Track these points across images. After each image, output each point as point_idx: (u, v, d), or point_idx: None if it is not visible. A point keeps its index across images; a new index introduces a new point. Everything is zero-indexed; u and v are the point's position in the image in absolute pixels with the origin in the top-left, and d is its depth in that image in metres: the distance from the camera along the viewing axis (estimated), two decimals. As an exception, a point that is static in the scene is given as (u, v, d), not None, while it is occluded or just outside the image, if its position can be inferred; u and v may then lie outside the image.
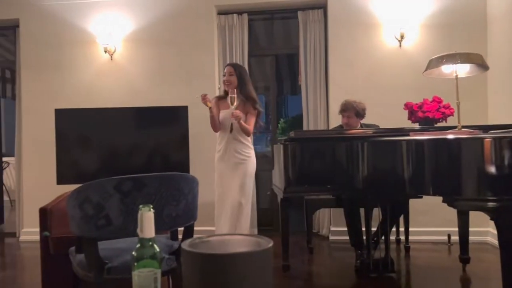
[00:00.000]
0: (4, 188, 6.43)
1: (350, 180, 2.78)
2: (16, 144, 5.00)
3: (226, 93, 3.47)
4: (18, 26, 4.89)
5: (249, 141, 3.51)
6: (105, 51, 4.68)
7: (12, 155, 5.34)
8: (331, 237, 4.44)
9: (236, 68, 3.50)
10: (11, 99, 6.13)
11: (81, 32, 4.75)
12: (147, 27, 4.70)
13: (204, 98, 3.33)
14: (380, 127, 3.71)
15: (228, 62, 4.47)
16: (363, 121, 3.77)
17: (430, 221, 4.21)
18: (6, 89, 6.28)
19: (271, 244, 0.79)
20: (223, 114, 3.47)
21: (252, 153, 3.50)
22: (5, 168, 6.88)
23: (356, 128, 3.67)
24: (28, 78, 4.84)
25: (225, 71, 3.51)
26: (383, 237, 3.34)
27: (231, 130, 3.42)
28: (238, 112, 3.28)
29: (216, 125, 3.49)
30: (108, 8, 4.72)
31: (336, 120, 4.12)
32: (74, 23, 4.76)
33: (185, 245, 0.77)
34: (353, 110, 3.62)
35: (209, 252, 0.75)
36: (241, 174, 3.40)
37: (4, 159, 6.32)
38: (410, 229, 3.90)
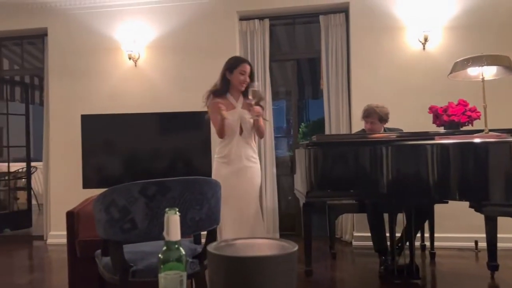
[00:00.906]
0: (32, 192, 6.61)
1: (373, 185, 2.76)
2: (43, 149, 5.14)
3: (226, 89, 3.10)
4: (46, 34, 5.04)
5: (255, 145, 3.20)
6: (129, 58, 4.77)
7: (40, 160, 5.49)
8: (354, 243, 4.39)
9: (252, 67, 3.16)
10: (39, 105, 6.30)
11: (106, 39, 4.86)
12: (170, 34, 4.77)
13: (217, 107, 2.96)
14: (405, 131, 3.66)
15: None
16: (386, 125, 3.74)
17: (456, 226, 4.11)
18: (34, 95, 6.47)
19: (296, 248, 0.79)
20: (229, 115, 3.01)
21: (257, 158, 3.18)
22: (33, 172, 7.07)
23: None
24: (55, 85, 4.98)
25: (243, 69, 3.07)
26: (407, 243, 3.29)
27: (240, 132, 3.07)
28: (259, 108, 2.94)
29: (224, 129, 3.07)
30: (132, 16, 4.82)
31: (358, 125, 4.09)
32: (100, 31, 4.88)
33: (211, 248, 0.78)
34: (376, 116, 3.59)
35: (234, 255, 0.75)
36: (255, 181, 3.08)
37: (32, 164, 6.50)
38: (436, 235, 3.82)
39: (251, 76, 3.10)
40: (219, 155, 3.12)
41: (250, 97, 2.93)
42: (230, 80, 3.09)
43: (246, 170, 3.04)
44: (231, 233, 2.95)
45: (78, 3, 4.87)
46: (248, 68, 3.09)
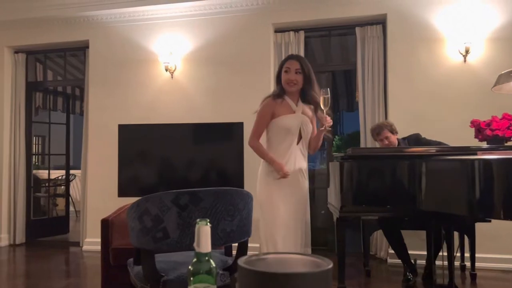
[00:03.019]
0: (70, 199, 6.81)
1: (411, 201, 2.65)
2: (82, 157, 5.29)
3: (282, 92, 2.70)
4: (87, 47, 5.23)
5: None
6: (166, 70, 4.86)
7: (79, 168, 5.66)
8: (390, 260, 4.25)
9: (303, 63, 2.66)
10: (80, 115, 6.52)
11: (144, 51, 4.98)
12: (205, 46, 4.84)
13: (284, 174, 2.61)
14: (444, 145, 3.54)
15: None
16: (404, 135, 3.70)
17: (499, 247, 3.91)
18: (75, 105, 6.71)
19: (330, 265, 0.75)
20: (289, 120, 2.64)
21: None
22: (72, 180, 7.30)
23: (396, 144, 3.63)
24: (95, 95, 5.13)
25: (287, 66, 2.66)
26: (444, 263, 3.15)
27: (298, 142, 2.68)
28: (329, 120, 2.59)
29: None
30: (169, 29, 4.93)
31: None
32: (138, 43, 5.01)
33: (241, 261, 0.76)
34: (387, 129, 3.60)
35: (266, 270, 0.72)
36: (305, 192, 2.75)
37: (71, 171, 6.71)
38: (477, 255, 3.65)
39: (307, 79, 2.64)
40: (269, 168, 2.64)
41: (321, 105, 2.53)
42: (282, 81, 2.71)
43: (302, 182, 2.69)
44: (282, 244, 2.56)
45: (118, 16, 5.03)
46: (293, 63, 2.64)
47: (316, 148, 2.80)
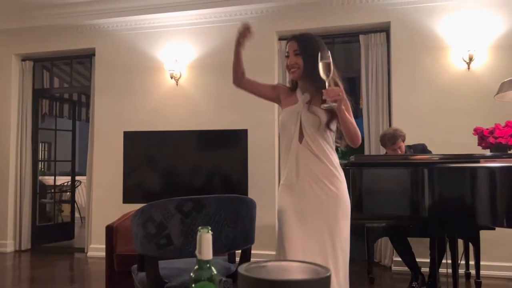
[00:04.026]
0: (75, 205, 6.85)
1: (414, 209, 2.66)
2: (87, 163, 5.33)
3: (295, 84, 2.18)
4: (94, 54, 5.29)
5: (335, 158, 2.03)
6: (171, 77, 4.90)
7: (84, 174, 5.70)
8: (394, 268, 4.24)
9: (303, 42, 2.09)
10: (85, 122, 6.57)
11: (150, 59, 5.03)
12: (210, 54, 4.88)
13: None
14: (447, 153, 3.54)
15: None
16: (409, 142, 3.72)
17: (504, 254, 3.89)
18: (81, 112, 6.77)
19: (329, 273, 0.77)
20: (284, 113, 2.12)
21: (342, 184, 2.02)
22: (77, 186, 7.34)
23: (404, 152, 3.64)
24: (101, 102, 5.18)
25: (287, 50, 2.16)
26: (448, 271, 3.14)
27: (301, 139, 2.02)
28: (337, 89, 1.85)
29: (237, 69, 2.37)
30: (174, 37, 4.97)
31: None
32: (144, 51, 5.06)
33: (242, 269, 0.77)
34: (401, 138, 3.59)
35: (265, 277, 0.74)
36: (327, 205, 1.96)
37: (77, 177, 6.76)
38: (482, 263, 3.62)
39: (305, 55, 2.04)
40: (281, 174, 2.14)
41: (321, 74, 1.86)
42: None
43: (314, 201, 1.95)
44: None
45: (124, 24, 5.09)
46: (291, 45, 2.12)
47: (351, 136, 1.98)
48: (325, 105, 1.85)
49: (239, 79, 2.35)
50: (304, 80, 2.08)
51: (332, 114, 1.97)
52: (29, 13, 5.16)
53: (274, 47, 4.77)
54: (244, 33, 2.28)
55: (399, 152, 3.60)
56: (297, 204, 1.96)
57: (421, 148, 3.70)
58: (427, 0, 4.30)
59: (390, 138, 3.62)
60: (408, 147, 3.74)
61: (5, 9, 5.14)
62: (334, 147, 2.06)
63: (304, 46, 2.07)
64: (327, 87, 1.85)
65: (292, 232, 1.94)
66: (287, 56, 2.13)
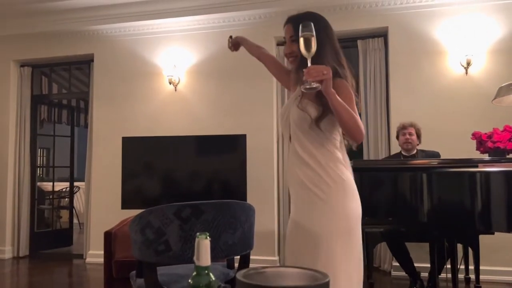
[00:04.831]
0: (74, 211, 6.83)
1: (413, 213, 2.66)
2: (86, 169, 5.32)
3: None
4: (92, 60, 5.29)
5: (329, 160, 1.69)
6: (170, 83, 4.91)
7: (83, 180, 5.69)
8: (393, 273, 4.22)
9: (297, 26, 1.60)
10: (84, 128, 6.57)
11: (148, 65, 5.04)
12: (208, 59, 4.88)
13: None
14: (445, 157, 3.55)
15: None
16: (421, 147, 3.71)
17: (503, 259, 3.88)
18: (80, 118, 6.76)
19: (327, 279, 0.76)
20: (283, 107, 1.90)
21: (343, 181, 1.69)
22: (75, 192, 7.33)
23: (415, 149, 3.69)
24: (99, 108, 5.18)
25: (284, 36, 1.85)
26: (448, 275, 3.13)
27: (290, 138, 1.79)
28: (319, 68, 1.53)
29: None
30: (173, 42, 4.98)
31: (397, 149, 3.99)
32: (143, 56, 5.07)
33: (240, 275, 0.77)
34: (416, 128, 3.69)
35: (263, 284, 0.73)
36: (309, 218, 1.68)
37: (75, 183, 6.74)
38: (482, 267, 3.62)
39: (306, 43, 1.56)
40: None
41: (301, 49, 1.57)
42: None
43: (302, 206, 1.71)
44: None
45: (123, 30, 5.10)
46: (286, 30, 1.81)
47: (348, 128, 1.61)
48: (306, 87, 1.52)
49: (254, 54, 2.35)
50: (301, 70, 1.63)
51: (324, 109, 1.64)
52: (28, 19, 5.17)
53: (273, 52, 4.78)
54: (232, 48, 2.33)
55: (407, 137, 3.67)
56: (293, 209, 1.76)
57: (432, 154, 3.71)
58: (425, 5, 4.32)
59: (406, 122, 3.74)
60: (421, 150, 3.76)
61: (4, 15, 5.15)
62: (336, 146, 1.71)
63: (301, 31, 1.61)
64: (309, 65, 1.55)
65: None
66: (285, 43, 1.84)
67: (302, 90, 1.57)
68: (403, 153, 3.78)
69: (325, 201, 1.65)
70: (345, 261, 1.61)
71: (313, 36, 1.55)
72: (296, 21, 1.70)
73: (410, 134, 3.67)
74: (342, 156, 1.72)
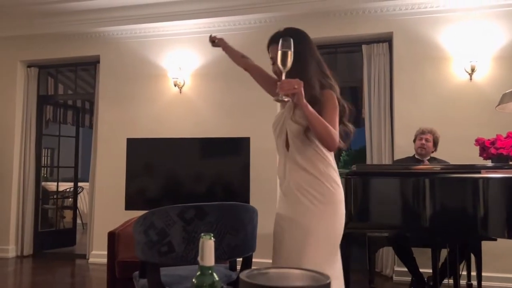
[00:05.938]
0: (78, 211, 6.86)
1: (416, 218, 2.66)
2: (90, 170, 5.35)
3: None
4: (98, 62, 5.33)
5: (324, 167, 1.86)
6: (175, 85, 4.94)
7: (87, 181, 5.71)
8: (395, 278, 4.22)
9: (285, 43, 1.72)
10: (89, 128, 6.61)
11: (154, 67, 5.07)
12: (213, 62, 4.91)
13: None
14: (449, 163, 3.55)
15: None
16: (433, 155, 3.71)
17: (506, 266, 3.87)
18: (85, 119, 6.80)
19: (329, 280, 0.78)
20: (276, 116, 2.08)
21: (333, 193, 1.85)
22: (79, 192, 7.35)
23: (429, 155, 3.70)
24: (104, 109, 5.22)
25: (270, 55, 2.05)
26: (450, 281, 3.13)
27: (287, 145, 1.93)
28: (290, 81, 1.67)
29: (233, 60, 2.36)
30: (179, 45, 5.02)
31: (401, 155, 3.99)
32: (148, 58, 5.10)
33: (243, 275, 0.78)
34: (434, 135, 3.70)
35: (266, 284, 0.75)
36: (297, 222, 1.85)
37: (79, 184, 6.77)
38: (484, 274, 3.61)
39: (296, 59, 1.72)
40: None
41: (278, 63, 1.73)
42: None
43: (298, 210, 1.83)
44: None
45: (129, 32, 5.14)
46: (274, 49, 1.89)
47: (320, 136, 1.76)
48: (278, 98, 1.68)
49: (239, 64, 2.39)
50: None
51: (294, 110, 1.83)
52: (35, 20, 5.22)
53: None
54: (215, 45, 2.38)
55: (423, 142, 3.68)
56: (288, 212, 1.87)
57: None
58: (429, 11, 4.33)
59: (427, 128, 3.76)
60: (434, 158, 3.76)
61: (11, 16, 5.21)
62: (326, 153, 1.87)
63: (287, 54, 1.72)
64: (283, 78, 1.69)
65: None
66: (273, 64, 1.97)
67: (274, 100, 1.75)
68: (417, 156, 3.79)
69: (323, 203, 1.82)
70: (330, 261, 1.82)
71: (290, 51, 1.68)
72: (278, 39, 1.77)
73: (426, 140, 3.69)
74: (333, 161, 1.93)
